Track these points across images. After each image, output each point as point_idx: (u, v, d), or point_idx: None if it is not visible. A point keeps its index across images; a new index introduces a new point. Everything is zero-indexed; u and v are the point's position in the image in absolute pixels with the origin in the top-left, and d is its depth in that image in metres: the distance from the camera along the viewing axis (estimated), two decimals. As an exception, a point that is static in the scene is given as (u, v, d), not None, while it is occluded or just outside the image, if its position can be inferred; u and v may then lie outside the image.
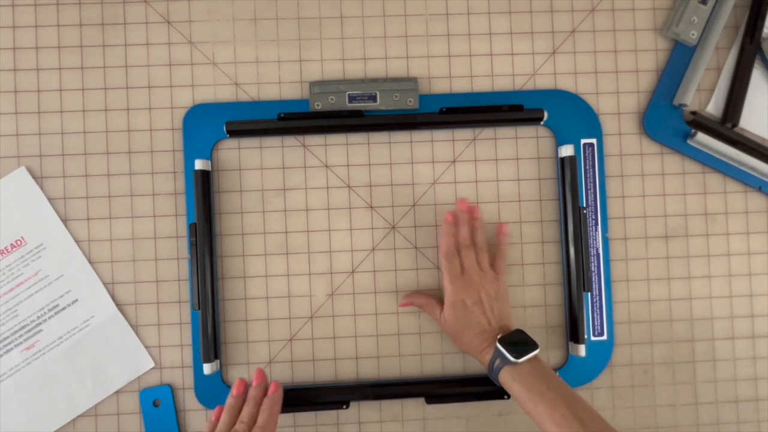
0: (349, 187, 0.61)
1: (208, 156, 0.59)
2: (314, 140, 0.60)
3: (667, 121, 0.61)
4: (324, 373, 0.60)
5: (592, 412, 0.48)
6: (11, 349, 0.58)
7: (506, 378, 0.51)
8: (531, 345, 0.52)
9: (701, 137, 0.60)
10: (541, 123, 0.60)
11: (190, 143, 0.59)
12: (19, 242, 0.58)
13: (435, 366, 0.60)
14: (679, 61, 0.61)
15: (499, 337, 0.52)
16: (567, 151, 0.59)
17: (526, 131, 0.61)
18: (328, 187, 0.60)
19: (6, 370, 0.58)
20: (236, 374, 0.59)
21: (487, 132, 0.61)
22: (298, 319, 0.60)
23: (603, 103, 0.62)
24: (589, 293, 0.60)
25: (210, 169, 0.58)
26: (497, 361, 0.52)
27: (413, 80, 0.60)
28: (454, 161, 0.61)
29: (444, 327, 0.56)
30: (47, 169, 0.59)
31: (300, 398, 0.58)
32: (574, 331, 0.59)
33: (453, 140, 0.61)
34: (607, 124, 0.62)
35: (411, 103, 0.59)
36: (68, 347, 0.58)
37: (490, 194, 0.61)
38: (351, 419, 0.60)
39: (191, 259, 0.58)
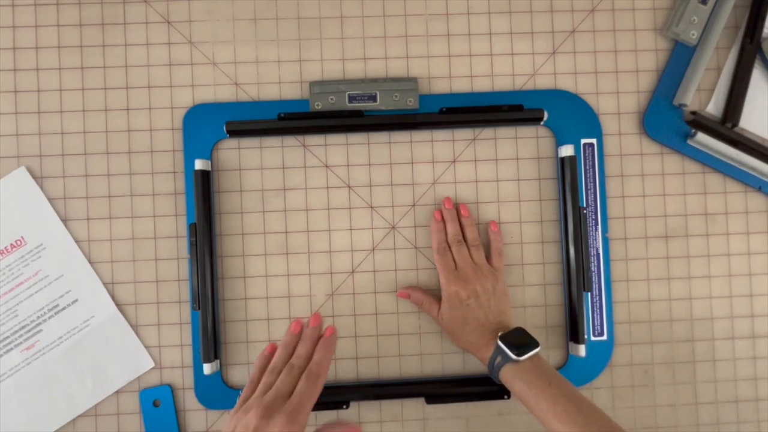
0: (349, 187, 0.61)
1: (208, 156, 0.59)
2: (314, 140, 0.60)
3: (667, 121, 0.61)
4: (324, 373, 0.60)
5: (594, 407, 0.48)
6: (11, 349, 0.58)
7: (507, 375, 0.51)
8: (532, 343, 0.52)
9: (701, 137, 0.60)
10: (541, 123, 0.60)
11: (190, 143, 0.59)
12: (19, 242, 0.58)
13: (435, 366, 0.60)
14: (679, 61, 0.61)
15: (500, 334, 0.52)
16: (567, 151, 0.59)
17: (526, 131, 0.61)
18: (328, 187, 0.60)
19: (6, 370, 0.58)
20: (236, 374, 0.59)
21: (487, 132, 0.61)
22: (298, 319, 0.60)
23: (603, 103, 0.62)
24: (589, 293, 0.60)
25: (210, 169, 0.58)
26: (498, 359, 0.52)
27: (413, 80, 0.60)
28: (454, 161, 0.61)
29: (442, 324, 0.57)
30: (47, 169, 0.59)
31: (300, 398, 0.58)
32: (574, 331, 0.59)
33: (453, 140, 0.61)
34: (607, 124, 0.62)
35: (411, 103, 0.59)
36: (68, 347, 0.58)
37: (490, 194, 0.61)
38: (351, 419, 0.60)
39: (191, 259, 0.58)
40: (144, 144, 0.60)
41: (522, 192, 0.61)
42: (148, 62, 0.60)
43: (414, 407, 0.60)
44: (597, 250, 0.61)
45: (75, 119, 0.59)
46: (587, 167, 0.61)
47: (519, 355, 0.51)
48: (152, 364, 0.59)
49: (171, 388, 0.59)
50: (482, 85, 0.61)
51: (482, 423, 0.60)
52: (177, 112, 0.60)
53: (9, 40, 0.59)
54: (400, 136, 0.61)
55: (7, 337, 0.58)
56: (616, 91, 0.62)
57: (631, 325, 0.61)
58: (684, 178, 0.62)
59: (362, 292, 0.60)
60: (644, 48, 0.62)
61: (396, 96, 0.59)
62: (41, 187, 0.59)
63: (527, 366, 0.51)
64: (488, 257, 0.58)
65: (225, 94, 0.60)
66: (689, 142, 0.61)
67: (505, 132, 0.61)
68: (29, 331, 0.58)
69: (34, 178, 0.59)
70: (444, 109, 0.60)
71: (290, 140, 0.60)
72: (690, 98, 0.60)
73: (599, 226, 0.61)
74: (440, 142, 0.61)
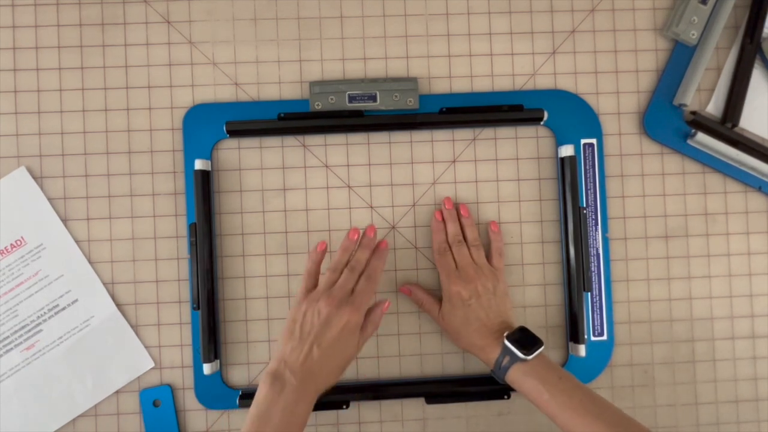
0: (349, 187, 0.61)
1: (208, 156, 0.59)
2: (314, 140, 0.60)
3: (667, 121, 0.61)
4: (324, 373, 0.60)
5: (602, 398, 0.50)
6: (11, 349, 0.58)
7: (516, 375, 0.51)
8: (538, 341, 0.52)
9: (701, 137, 0.60)
10: (541, 123, 0.60)
11: (190, 143, 0.59)
12: (19, 242, 0.58)
13: (435, 366, 0.60)
14: (679, 61, 0.61)
15: (506, 335, 0.53)
16: (567, 151, 0.59)
17: (526, 131, 0.61)
18: (328, 187, 0.60)
19: (6, 370, 0.58)
20: (236, 374, 0.59)
21: (487, 132, 0.61)
22: (298, 319, 0.60)
23: (603, 103, 0.62)
24: (589, 293, 0.60)
25: (210, 169, 0.58)
26: (506, 360, 0.52)
27: (413, 80, 0.60)
28: (454, 161, 0.61)
29: (443, 324, 0.57)
30: (47, 169, 0.59)
31: (300, 398, 0.58)
32: (574, 331, 0.59)
33: (453, 140, 0.61)
34: (607, 124, 0.62)
35: (411, 103, 0.59)
36: (68, 347, 0.58)
37: (490, 194, 0.61)
38: (351, 419, 0.60)
39: (191, 259, 0.58)
40: (144, 144, 0.60)
41: (522, 192, 0.61)
42: (148, 62, 0.60)
43: (414, 407, 0.60)
44: (597, 250, 0.61)
45: (75, 119, 0.59)
46: (587, 167, 0.61)
47: (527, 354, 0.51)
48: (152, 364, 0.59)
49: (171, 388, 0.59)
50: (482, 85, 0.61)
51: (482, 423, 0.60)
52: (177, 112, 0.60)
53: (9, 40, 0.59)
54: (400, 136, 0.61)
55: (7, 337, 0.58)
56: (616, 91, 0.62)
57: (631, 325, 0.61)
58: (684, 178, 0.62)
59: (362, 292, 0.60)
60: (644, 48, 0.62)
61: (396, 96, 0.59)
62: (41, 187, 0.59)
63: (536, 363, 0.51)
64: (488, 257, 0.58)
65: (225, 94, 0.60)
66: (689, 142, 0.61)
67: (505, 132, 0.61)
68: (29, 331, 0.58)
69: (34, 178, 0.59)
70: (444, 109, 0.60)
71: (290, 140, 0.60)
72: (690, 98, 0.60)
73: (599, 226, 0.61)
74: (440, 142, 0.61)
